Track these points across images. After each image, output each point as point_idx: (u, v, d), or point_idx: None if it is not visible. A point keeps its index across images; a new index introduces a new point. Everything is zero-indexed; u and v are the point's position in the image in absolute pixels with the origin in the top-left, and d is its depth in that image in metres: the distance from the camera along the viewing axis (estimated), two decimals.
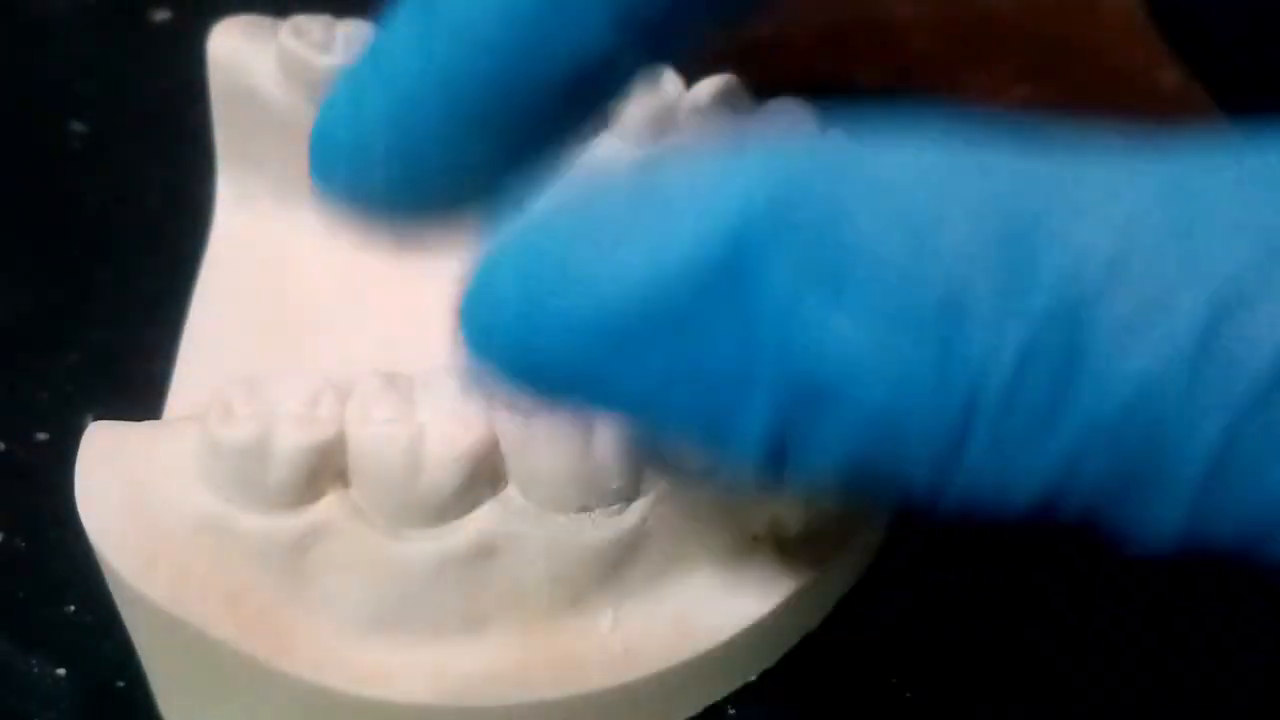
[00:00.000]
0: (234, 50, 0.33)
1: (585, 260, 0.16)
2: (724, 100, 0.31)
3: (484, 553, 0.25)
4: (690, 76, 0.31)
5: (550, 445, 0.24)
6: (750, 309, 0.15)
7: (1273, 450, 0.14)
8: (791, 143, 0.16)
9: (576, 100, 0.21)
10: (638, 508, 0.25)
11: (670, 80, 0.31)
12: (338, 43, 0.33)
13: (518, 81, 0.21)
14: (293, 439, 0.23)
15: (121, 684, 0.28)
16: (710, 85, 0.31)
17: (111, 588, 0.25)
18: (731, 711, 0.28)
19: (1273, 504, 0.15)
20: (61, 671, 0.28)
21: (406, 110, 0.21)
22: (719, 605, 0.27)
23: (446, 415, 0.24)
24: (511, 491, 0.25)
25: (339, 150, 0.22)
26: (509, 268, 0.17)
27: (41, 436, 0.32)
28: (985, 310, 0.15)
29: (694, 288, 0.15)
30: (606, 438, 0.24)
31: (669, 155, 0.17)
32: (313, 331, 0.32)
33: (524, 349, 0.17)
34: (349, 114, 0.22)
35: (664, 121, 0.31)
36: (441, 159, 0.21)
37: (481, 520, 0.24)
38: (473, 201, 0.22)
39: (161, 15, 0.45)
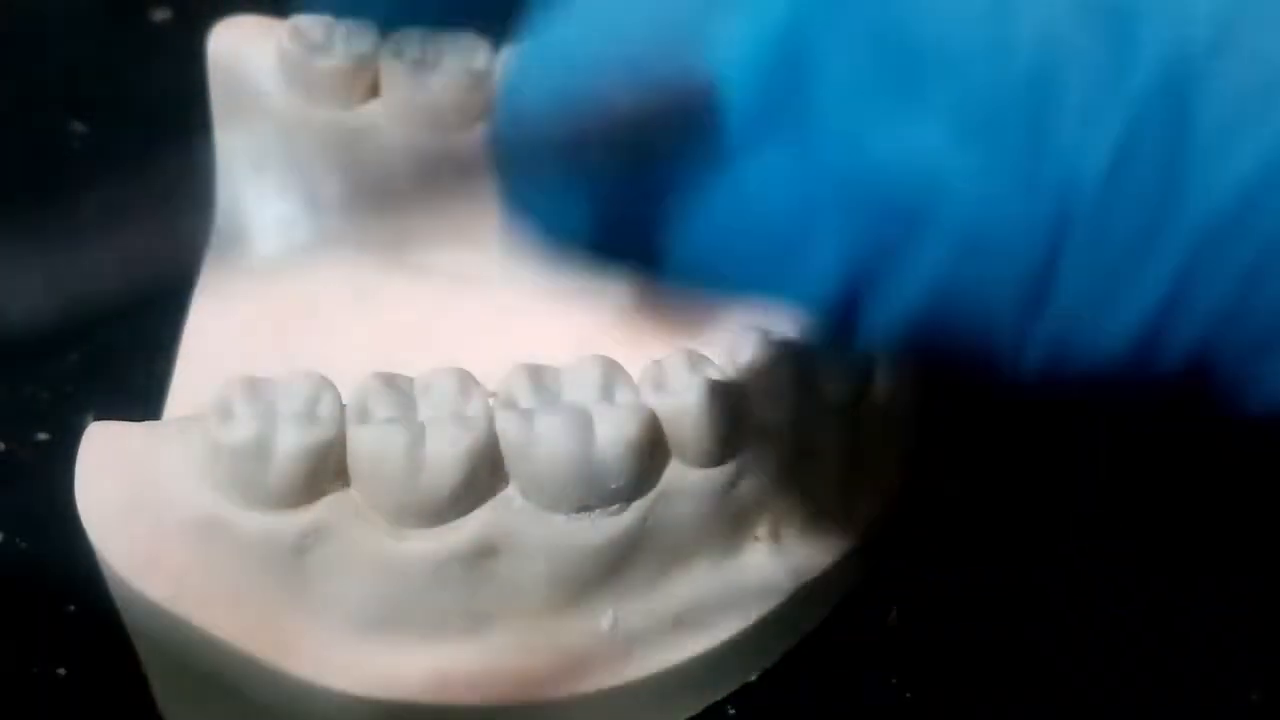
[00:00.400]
0: (234, 50, 0.34)
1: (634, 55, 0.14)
2: None
3: (484, 552, 0.25)
4: None
5: (550, 445, 0.24)
6: (813, 115, 0.14)
7: None
8: None
9: None
10: (638, 508, 0.25)
11: None
12: (337, 43, 0.33)
13: None
14: (293, 439, 0.23)
15: (121, 683, 0.28)
16: None
17: (111, 587, 0.25)
18: (731, 711, 0.28)
19: None
20: (62, 671, 0.28)
21: None
22: (719, 605, 0.27)
23: (446, 415, 0.24)
24: (511, 491, 0.25)
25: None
26: (556, 48, 0.15)
27: (42, 436, 0.32)
28: (1079, 94, 0.13)
29: (749, 92, 0.14)
30: (607, 437, 0.24)
31: None
32: (313, 332, 0.32)
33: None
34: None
35: None
36: None
37: (481, 520, 0.24)
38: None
39: (162, 15, 0.46)
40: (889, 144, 0.13)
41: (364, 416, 0.24)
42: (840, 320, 0.15)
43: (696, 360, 0.26)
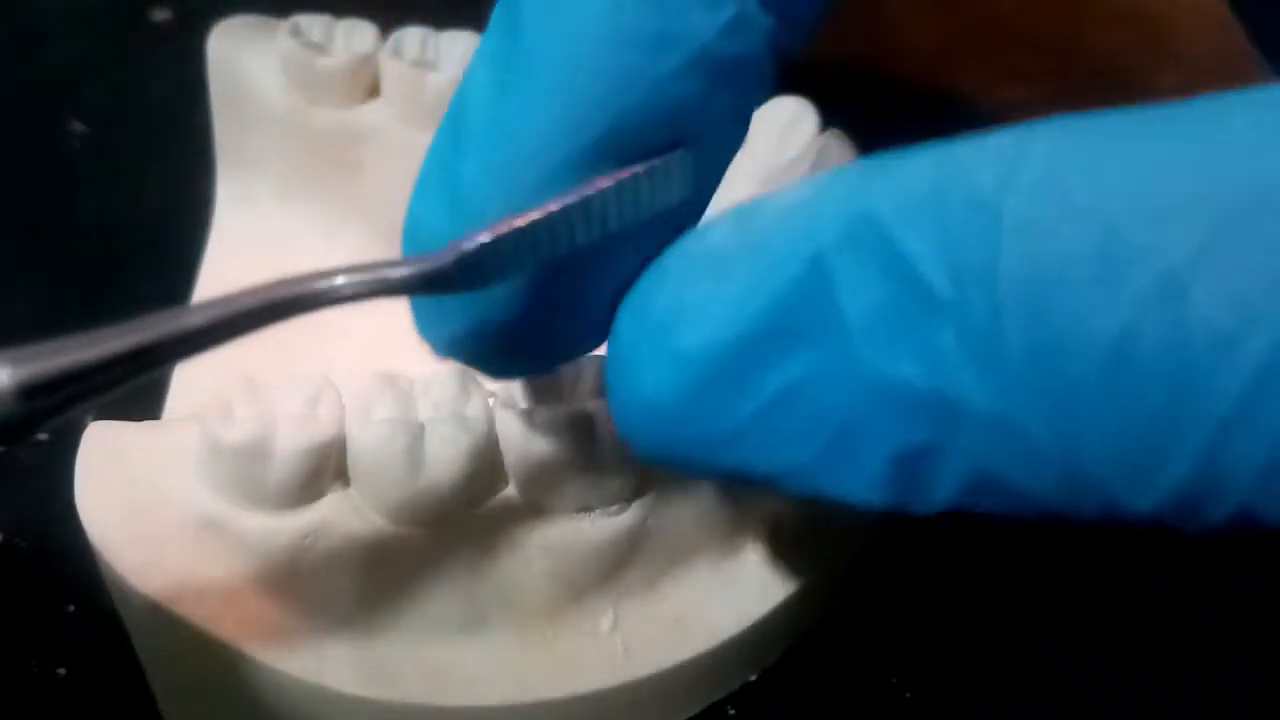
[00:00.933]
0: (234, 50, 0.34)
1: (696, 300, 0.18)
2: (794, 124, 0.31)
3: (484, 553, 0.25)
4: None
5: (550, 445, 0.24)
6: (842, 324, 0.16)
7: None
8: (865, 178, 0.17)
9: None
10: (638, 508, 0.25)
11: None
12: (337, 43, 0.33)
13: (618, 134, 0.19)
14: (292, 439, 0.23)
15: (121, 683, 0.28)
16: (781, 109, 0.31)
17: (111, 587, 0.25)
18: (731, 711, 0.28)
19: None
20: (62, 671, 0.28)
21: (513, 165, 0.19)
22: (719, 605, 0.27)
23: (446, 415, 0.24)
24: (511, 491, 0.25)
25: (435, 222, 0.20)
26: (627, 328, 0.19)
27: (41, 436, 0.32)
28: (1071, 307, 0.14)
29: (785, 309, 0.17)
30: (606, 437, 0.24)
31: (761, 204, 0.18)
32: (313, 332, 0.32)
33: (646, 400, 0.18)
34: (441, 186, 0.20)
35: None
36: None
37: (481, 520, 0.24)
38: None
39: (162, 15, 0.46)
40: (915, 360, 0.16)
41: (364, 416, 0.24)
42: (895, 500, 0.17)
43: None
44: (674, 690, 0.27)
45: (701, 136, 0.19)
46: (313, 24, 0.33)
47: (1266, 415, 0.14)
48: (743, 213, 0.18)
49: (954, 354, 0.15)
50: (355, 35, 0.33)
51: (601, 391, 0.25)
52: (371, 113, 0.33)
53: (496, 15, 0.20)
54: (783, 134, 0.31)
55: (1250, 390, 0.14)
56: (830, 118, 0.32)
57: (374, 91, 0.33)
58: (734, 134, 0.21)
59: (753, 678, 0.29)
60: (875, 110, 0.33)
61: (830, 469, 0.17)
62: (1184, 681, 0.29)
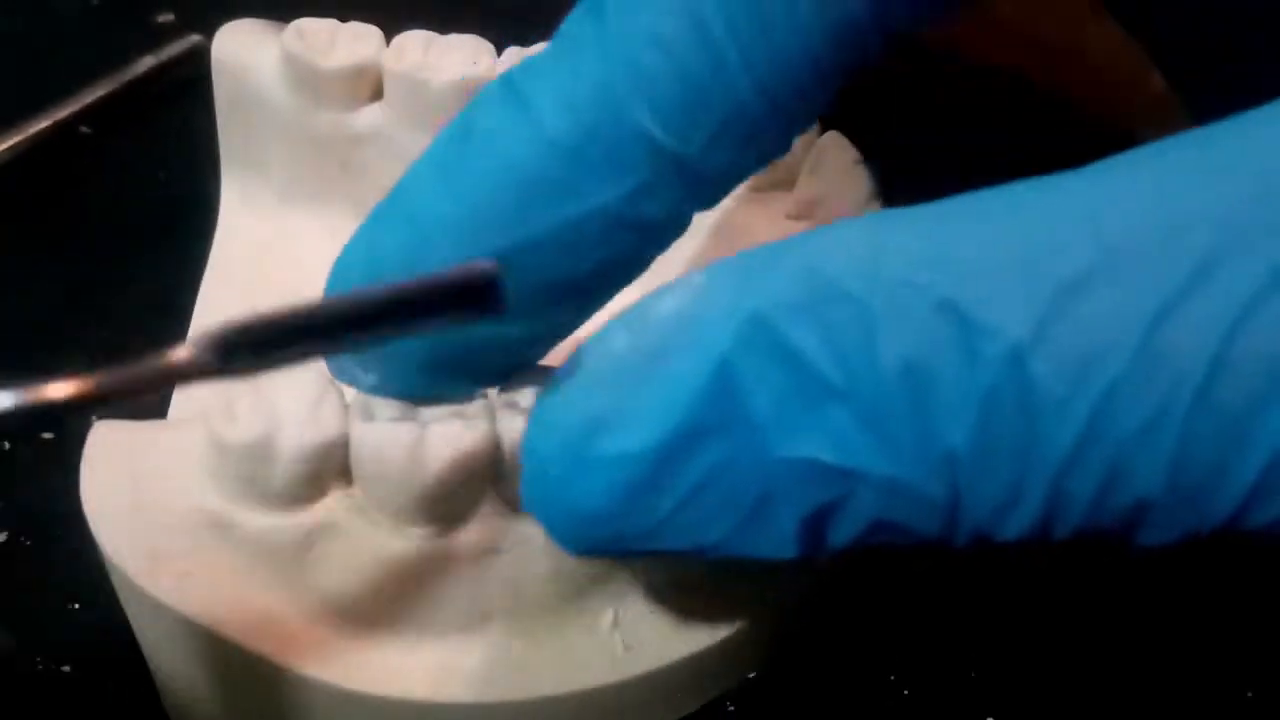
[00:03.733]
0: (238, 53, 0.34)
1: (611, 411, 0.19)
2: (833, 155, 0.31)
3: (486, 551, 0.25)
4: None
5: None
6: (748, 418, 0.18)
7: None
8: (743, 280, 0.19)
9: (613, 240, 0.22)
10: None
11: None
12: (340, 46, 0.33)
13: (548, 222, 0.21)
14: (296, 438, 0.23)
15: (126, 681, 0.28)
16: (819, 143, 0.31)
17: (116, 586, 0.25)
18: (731, 708, 0.28)
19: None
20: (67, 669, 0.28)
21: (421, 248, 0.22)
22: (719, 604, 0.27)
23: (448, 415, 0.24)
24: (513, 490, 0.25)
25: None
26: (544, 444, 0.20)
27: (47, 435, 0.33)
28: (944, 388, 0.17)
29: (698, 412, 0.18)
30: None
31: (650, 310, 0.19)
32: None
33: (574, 509, 0.20)
34: (364, 251, 0.23)
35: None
36: None
37: (483, 519, 0.25)
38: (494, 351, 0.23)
39: (165, 18, 0.46)
40: (816, 439, 0.18)
41: (366, 416, 0.24)
42: (807, 553, 0.19)
43: None
44: (674, 688, 0.27)
45: (594, 273, 0.22)
46: (316, 27, 0.33)
47: (1092, 459, 0.17)
48: (634, 321, 0.20)
49: (850, 431, 0.18)
50: (358, 39, 0.33)
51: None
52: (374, 116, 0.33)
53: (456, 120, 0.22)
54: None
55: (1080, 441, 0.16)
56: (829, 121, 0.33)
57: (377, 95, 0.33)
58: (628, 275, 0.23)
59: (752, 675, 0.29)
60: (875, 110, 0.33)
61: (746, 538, 0.19)
62: (1182, 680, 0.29)
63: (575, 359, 0.20)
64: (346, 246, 0.23)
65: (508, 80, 0.21)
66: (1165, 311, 0.16)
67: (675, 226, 0.22)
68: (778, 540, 0.19)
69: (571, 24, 0.21)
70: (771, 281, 0.18)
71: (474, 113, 0.22)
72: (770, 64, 0.20)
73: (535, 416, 0.20)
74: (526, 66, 0.21)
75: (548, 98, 0.21)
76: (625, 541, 0.20)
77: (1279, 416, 0.16)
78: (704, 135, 0.20)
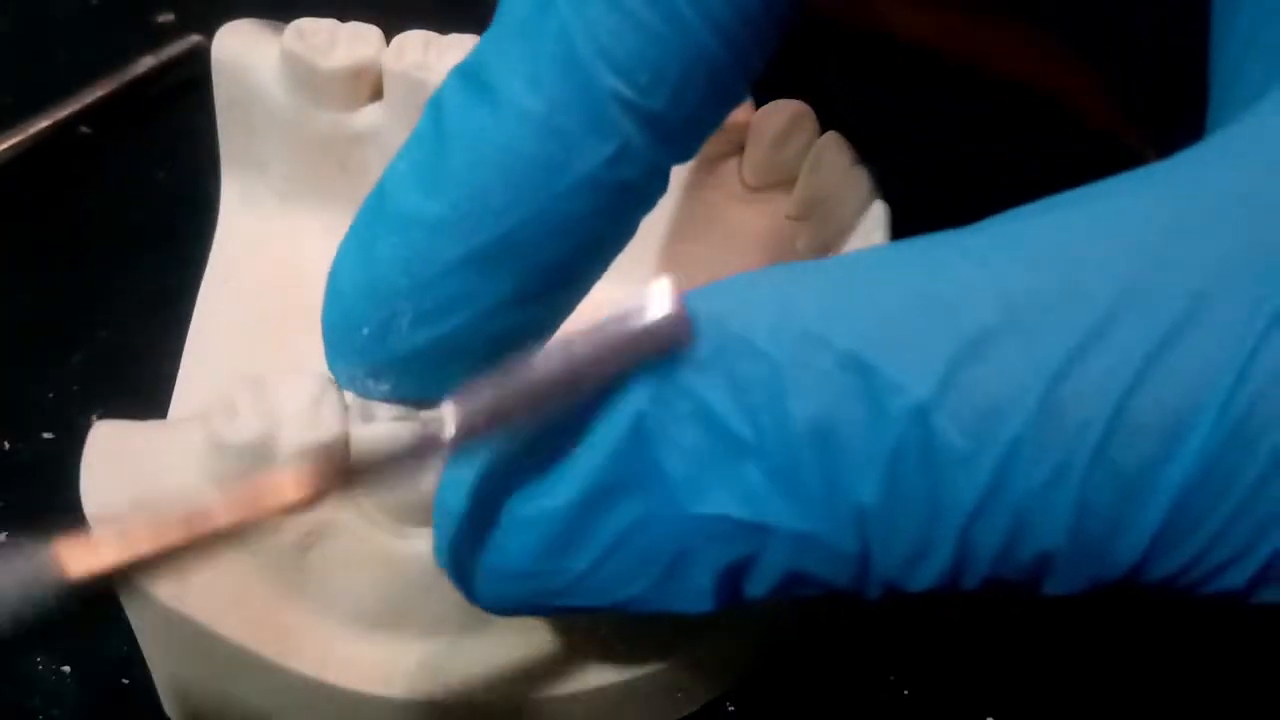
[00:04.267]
0: (237, 53, 0.34)
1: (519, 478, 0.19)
2: (792, 128, 0.31)
3: None
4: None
5: None
6: (663, 475, 0.18)
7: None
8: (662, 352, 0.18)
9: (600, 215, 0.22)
10: None
11: (743, 109, 0.31)
12: (340, 46, 0.33)
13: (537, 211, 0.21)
14: (296, 438, 0.23)
15: (126, 681, 0.28)
16: (779, 113, 0.31)
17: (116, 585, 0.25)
18: (731, 708, 0.28)
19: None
20: (66, 669, 0.28)
21: (422, 252, 0.22)
22: None
23: (448, 414, 0.24)
24: None
25: (354, 305, 0.23)
26: (457, 501, 0.20)
27: (47, 435, 0.33)
28: (850, 443, 0.17)
29: (613, 469, 0.18)
30: None
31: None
32: (317, 332, 0.32)
33: (489, 567, 0.20)
34: (361, 261, 0.23)
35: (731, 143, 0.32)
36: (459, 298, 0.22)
37: None
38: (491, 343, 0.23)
39: (165, 18, 0.46)
40: (729, 496, 0.18)
41: (367, 416, 0.24)
42: (725, 604, 0.19)
43: None
44: (674, 688, 0.27)
45: (588, 247, 0.22)
46: (316, 27, 0.33)
47: (997, 513, 0.17)
48: None
49: (762, 488, 0.18)
50: (358, 38, 0.33)
51: None
52: (374, 116, 0.33)
53: (427, 110, 0.22)
54: (782, 137, 0.31)
55: (984, 495, 0.17)
56: (829, 122, 0.33)
57: (376, 95, 0.33)
58: (619, 243, 0.23)
59: (752, 675, 0.29)
60: (875, 110, 0.33)
61: (663, 594, 0.19)
62: (1182, 680, 0.29)
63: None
64: (338, 259, 0.23)
65: (465, 74, 0.22)
66: (1065, 369, 0.16)
67: (658, 184, 0.22)
68: (694, 595, 0.19)
69: (512, 6, 0.22)
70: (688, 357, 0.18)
71: (440, 113, 0.22)
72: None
73: (448, 473, 0.20)
74: (479, 57, 0.22)
75: (514, 80, 0.21)
76: (541, 598, 0.20)
77: (1175, 473, 0.16)
78: (669, 88, 0.21)
